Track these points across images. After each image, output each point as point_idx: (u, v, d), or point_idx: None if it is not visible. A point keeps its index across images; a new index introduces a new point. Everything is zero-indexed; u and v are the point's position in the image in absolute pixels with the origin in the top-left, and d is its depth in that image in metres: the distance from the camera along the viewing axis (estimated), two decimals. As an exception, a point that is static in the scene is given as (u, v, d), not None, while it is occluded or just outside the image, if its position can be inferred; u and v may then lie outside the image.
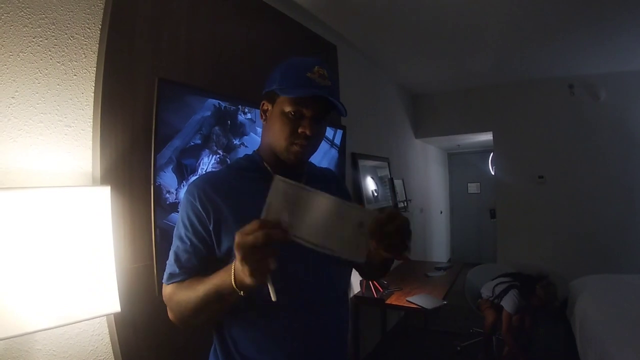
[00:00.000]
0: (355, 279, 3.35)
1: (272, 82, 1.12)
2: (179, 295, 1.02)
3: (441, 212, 7.82)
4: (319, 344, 1.10)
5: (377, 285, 3.43)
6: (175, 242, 1.07)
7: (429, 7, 3.14)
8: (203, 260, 1.05)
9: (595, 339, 2.61)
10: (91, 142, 1.51)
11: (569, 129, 5.26)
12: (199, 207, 1.04)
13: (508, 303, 3.52)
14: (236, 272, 0.85)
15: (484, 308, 3.77)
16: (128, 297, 1.52)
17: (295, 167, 1.15)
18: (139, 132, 1.65)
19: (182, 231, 1.06)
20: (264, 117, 1.16)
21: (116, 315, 1.46)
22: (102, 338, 1.49)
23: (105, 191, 1.34)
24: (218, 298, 0.94)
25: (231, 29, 2.23)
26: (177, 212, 1.26)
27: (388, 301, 3.21)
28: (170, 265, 1.06)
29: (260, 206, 0.82)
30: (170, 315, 1.06)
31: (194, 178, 1.16)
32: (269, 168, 1.16)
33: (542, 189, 5.39)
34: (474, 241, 8.44)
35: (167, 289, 1.06)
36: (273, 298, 0.83)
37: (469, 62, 4.63)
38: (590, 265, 4.76)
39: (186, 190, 1.08)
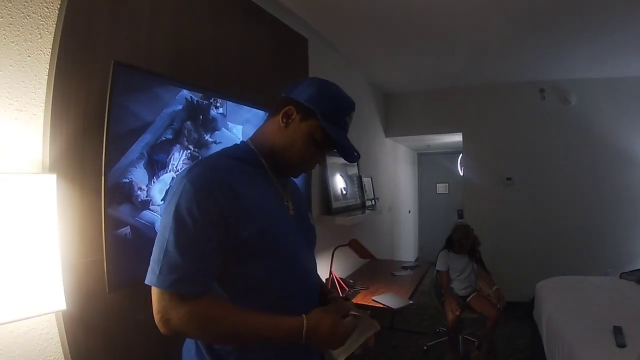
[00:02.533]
0: (322, 276, 3.28)
1: (313, 102, 1.13)
2: (215, 311, 0.98)
3: (409, 212, 7.85)
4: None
5: (343, 284, 3.36)
6: (183, 244, 0.96)
7: (403, 7, 3.12)
8: (214, 264, 1.01)
9: (562, 339, 2.61)
10: (42, 127, 1.40)
11: (539, 132, 5.34)
12: (212, 199, 0.98)
13: (437, 264, 3.98)
14: (311, 339, 1.01)
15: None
16: (77, 293, 1.43)
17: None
18: (93, 120, 1.53)
19: (191, 231, 0.96)
20: (284, 122, 1.14)
21: (65, 312, 1.36)
22: (52, 337, 1.40)
23: (51, 179, 1.26)
24: (273, 338, 1.01)
25: (197, 18, 2.12)
26: (149, 209, 1.15)
27: (354, 300, 3.14)
28: (183, 272, 0.96)
29: (268, 198, 1.12)
30: (192, 327, 0.97)
31: (188, 167, 1.04)
32: (266, 165, 1.18)
33: (509, 190, 5.46)
34: (442, 241, 8.45)
35: (192, 303, 0.96)
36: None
37: (441, 63, 4.64)
38: (556, 266, 4.85)
39: (188, 181, 0.99)
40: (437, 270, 3.99)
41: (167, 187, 1.78)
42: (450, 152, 8.31)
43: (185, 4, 2.04)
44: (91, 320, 1.49)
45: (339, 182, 3.99)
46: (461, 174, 6.91)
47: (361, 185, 4.53)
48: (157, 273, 0.95)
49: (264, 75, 2.68)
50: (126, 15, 1.70)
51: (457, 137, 6.04)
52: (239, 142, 1.22)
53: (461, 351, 3.78)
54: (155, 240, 0.99)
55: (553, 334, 2.82)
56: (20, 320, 1.16)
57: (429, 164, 9.02)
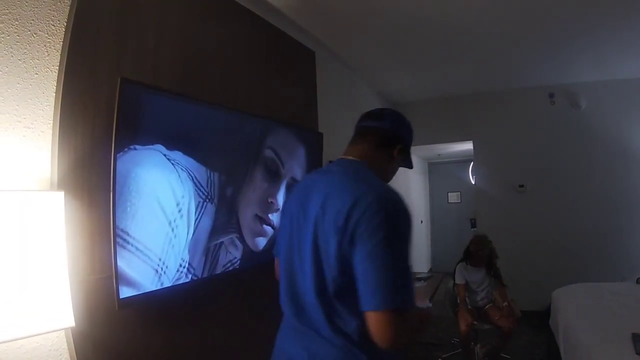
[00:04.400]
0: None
1: (406, 141, 1.46)
2: (410, 321, 1.11)
3: (421, 222, 7.79)
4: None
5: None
6: (407, 266, 1.09)
7: (410, 15, 3.13)
8: None
9: (580, 347, 2.55)
10: (50, 144, 1.41)
11: (550, 137, 5.29)
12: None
13: (455, 277, 3.85)
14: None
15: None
16: (86, 310, 1.42)
17: None
18: (101, 136, 1.54)
19: (406, 256, 1.10)
20: (394, 155, 1.39)
21: (74, 329, 1.35)
22: (61, 353, 1.39)
23: (59, 197, 1.26)
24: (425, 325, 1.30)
25: (204, 32, 2.15)
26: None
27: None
28: (409, 293, 1.06)
29: None
30: (397, 338, 1.04)
31: (391, 195, 1.12)
32: None
33: (522, 197, 5.40)
34: (455, 251, 8.36)
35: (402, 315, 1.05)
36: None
37: (449, 70, 4.63)
38: (571, 273, 4.76)
39: (402, 209, 1.11)
40: (456, 284, 3.89)
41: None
42: (461, 161, 8.26)
43: (191, 19, 2.05)
44: (101, 338, 1.48)
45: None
46: (473, 182, 6.84)
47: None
48: (401, 295, 1.03)
49: (271, 89, 2.69)
50: (133, 31, 1.72)
51: (468, 145, 6.00)
52: (360, 165, 1.29)
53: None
54: (384, 264, 1.04)
55: (570, 342, 2.76)
56: (28, 337, 1.15)
57: (440, 173, 8.96)
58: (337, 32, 3.46)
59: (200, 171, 1.90)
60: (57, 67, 1.44)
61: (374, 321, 1.03)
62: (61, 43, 1.45)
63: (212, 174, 1.97)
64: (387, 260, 1.04)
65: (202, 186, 1.90)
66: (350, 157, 1.33)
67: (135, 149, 1.59)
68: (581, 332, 2.69)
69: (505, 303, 3.62)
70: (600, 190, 5.04)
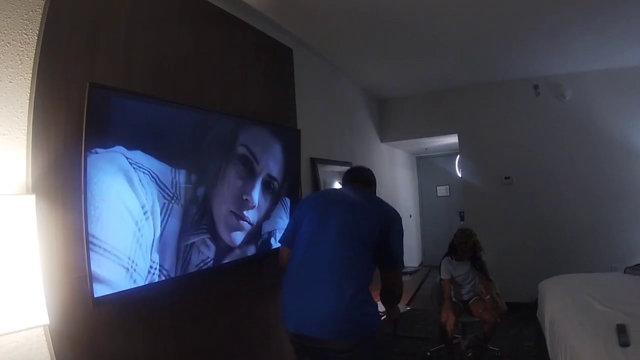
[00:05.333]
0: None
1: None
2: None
3: (410, 216, 7.77)
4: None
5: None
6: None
7: (390, 9, 3.08)
8: None
9: (564, 339, 2.53)
10: (25, 150, 1.45)
11: (535, 129, 5.28)
12: None
13: (441, 272, 3.85)
14: None
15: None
16: (62, 309, 1.48)
17: None
18: (73, 140, 1.56)
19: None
20: (374, 190, 2.46)
21: (52, 328, 1.42)
22: (41, 352, 1.43)
23: (30, 200, 1.31)
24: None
25: (176, 33, 2.16)
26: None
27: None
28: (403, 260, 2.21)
29: None
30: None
31: (392, 209, 2.16)
32: None
33: (509, 190, 5.38)
34: (445, 244, 8.33)
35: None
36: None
37: (432, 65, 4.61)
38: (561, 264, 4.76)
39: (399, 217, 2.12)
40: (441, 279, 3.87)
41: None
42: (449, 154, 8.25)
43: (162, 19, 2.07)
44: (78, 335, 1.53)
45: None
46: (459, 175, 6.84)
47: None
48: (402, 260, 2.12)
49: (247, 87, 2.69)
50: (104, 35, 1.75)
51: (455, 139, 5.98)
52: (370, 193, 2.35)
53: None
54: (398, 244, 2.07)
55: (555, 335, 2.74)
56: (5, 334, 1.21)
57: (428, 167, 8.96)
58: (317, 30, 3.42)
59: (165, 172, 1.87)
60: (31, 75, 1.47)
61: (395, 273, 2.09)
62: (34, 51, 1.48)
63: (178, 173, 1.93)
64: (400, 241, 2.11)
65: (166, 187, 1.86)
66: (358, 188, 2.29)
67: (96, 152, 1.57)
68: (566, 323, 2.66)
69: (489, 296, 3.60)
70: (588, 180, 5.04)
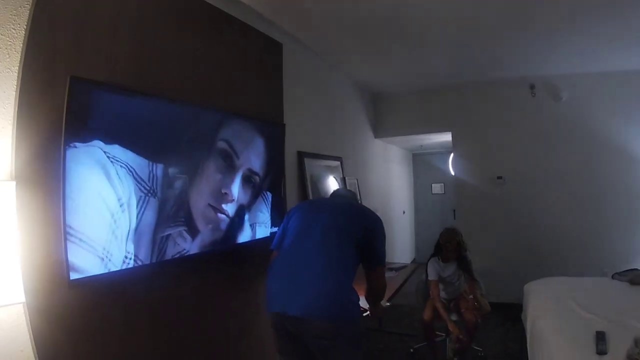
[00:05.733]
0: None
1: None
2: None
3: (404, 212, 7.75)
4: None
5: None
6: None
7: (384, 5, 3.03)
8: None
9: (544, 344, 2.52)
10: (11, 140, 1.52)
11: (530, 129, 5.25)
12: None
13: (428, 273, 3.78)
14: None
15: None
16: (41, 289, 1.57)
17: None
18: (55, 132, 1.62)
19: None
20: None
21: (30, 306, 1.52)
22: (21, 329, 1.54)
23: (11, 186, 1.40)
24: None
25: (161, 27, 2.16)
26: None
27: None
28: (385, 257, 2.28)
29: None
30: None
31: (374, 214, 2.35)
32: None
33: (501, 189, 5.36)
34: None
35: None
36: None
37: (427, 62, 4.57)
38: (551, 266, 4.76)
39: (381, 221, 2.30)
40: (429, 280, 3.77)
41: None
42: (445, 152, 8.19)
43: (147, 13, 2.07)
44: (55, 314, 1.62)
45: (332, 184, 4.06)
46: (452, 173, 6.81)
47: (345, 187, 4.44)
48: (384, 259, 2.24)
49: (232, 81, 2.67)
50: (89, 30, 1.77)
51: (450, 137, 5.94)
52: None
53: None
54: (381, 244, 2.22)
55: (536, 339, 2.72)
56: None
57: (423, 164, 8.94)
58: (309, 24, 3.38)
59: (143, 166, 1.88)
60: (17, 68, 1.53)
61: (379, 271, 2.24)
62: (22, 45, 1.54)
63: (155, 167, 1.94)
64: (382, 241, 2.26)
65: (143, 181, 1.88)
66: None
67: (75, 146, 1.62)
68: (546, 327, 2.65)
69: (471, 296, 3.57)
70: (581, 182, 5.01)
